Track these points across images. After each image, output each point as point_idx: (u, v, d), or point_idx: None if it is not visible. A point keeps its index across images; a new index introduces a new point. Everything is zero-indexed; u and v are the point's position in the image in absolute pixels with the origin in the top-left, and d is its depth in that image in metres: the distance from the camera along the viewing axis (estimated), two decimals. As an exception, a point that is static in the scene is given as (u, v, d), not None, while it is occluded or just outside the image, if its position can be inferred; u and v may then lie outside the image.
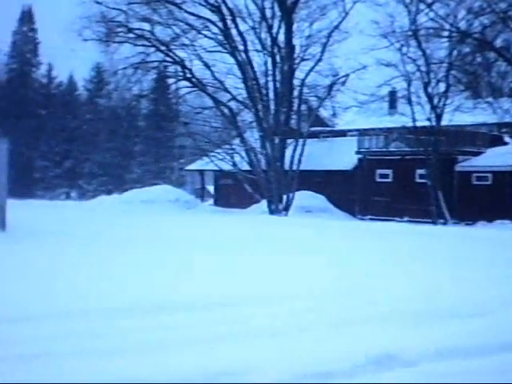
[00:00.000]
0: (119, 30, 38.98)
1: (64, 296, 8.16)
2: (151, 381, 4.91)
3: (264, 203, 37.27)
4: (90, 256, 12.54)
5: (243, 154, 38.60)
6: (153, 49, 39.28)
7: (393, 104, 42.62)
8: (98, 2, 37.35)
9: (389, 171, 39.11)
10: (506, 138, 39.70)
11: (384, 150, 39.34)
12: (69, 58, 62.92)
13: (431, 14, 36.23)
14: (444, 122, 36.65)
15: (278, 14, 37.50)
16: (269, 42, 37.71)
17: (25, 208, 24.66)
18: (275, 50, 37.70)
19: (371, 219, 35.87)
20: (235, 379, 5.07)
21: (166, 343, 6.07)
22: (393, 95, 42.15)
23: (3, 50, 75.91)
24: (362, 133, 41.06)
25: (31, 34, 76.81)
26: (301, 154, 37.08)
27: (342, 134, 44.31)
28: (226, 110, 39.45)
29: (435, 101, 36.65)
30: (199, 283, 9.56)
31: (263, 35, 37.77)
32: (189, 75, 39.62)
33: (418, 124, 36.26)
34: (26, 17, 76.27)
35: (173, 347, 5.95)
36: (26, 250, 13.29)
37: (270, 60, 37.89)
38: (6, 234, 17.24)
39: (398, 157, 38.39)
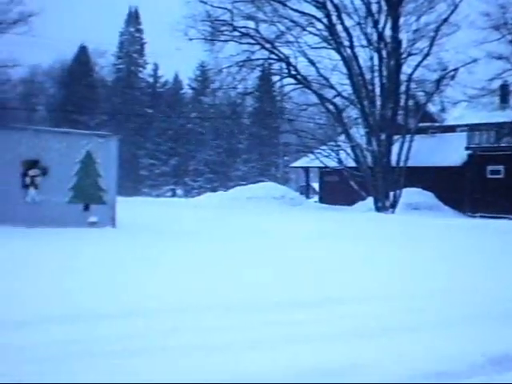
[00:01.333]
0: (224, 28, 39.65)
1: (193, 292, 8.51)
2: (262, 380, 5.15)
3: (370, 200, 37.12)
4: (207, 253, 12.90)
5: (349, 150, 38.55)
6: (257, 46, 39.73)
7: (504, 98, 41.51)
8: (203, 2, 38.18)
9: (500, 167, 38.15)
10: None
11: (495, 145, 38.38)
12: (174, 57, 64.38)
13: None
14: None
15: (384, 8, 37.22)
16: (375, 37, 37.49)
17: (132, 205, 25.45)
18: (381, 45, 37.42)
19: (481, 217, 35.12)
20: (355, 377, 5.26)
21: (291, 338, 6.28)
22: (504, 89, 41.07)
23: (111, 51, 78.47)
24: (472, 128, 40.15)
25: (137, 34, 79.02)
26: (408, 150, 36.74)
27: (451, 129, 43.55)
28: (331, 107, 39.50)
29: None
30: (303, 280, 9.79)
31: (369, 30, 37.60)
32: (293, 72, 39.87)
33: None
34: (133, 18, 78.53)
35: (293, 343, 6.16)
36: (139, 246, 13.80)
37: (375, 55, 37.67)
38: (117, 230, 17.99)
39: (510, 152, 37.39)
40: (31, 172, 17.97)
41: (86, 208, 18.64)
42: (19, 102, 71.99)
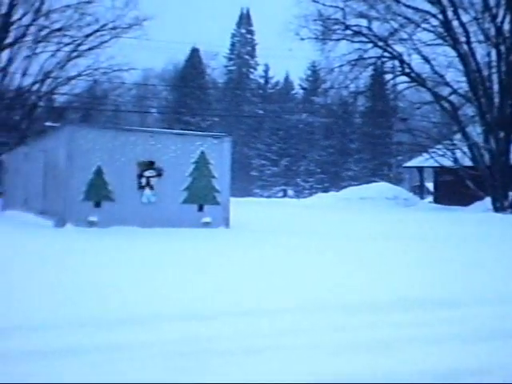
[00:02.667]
0: (336, 27, 39.52)
1: (321, 290, 8.53)
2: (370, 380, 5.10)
3: (488, 200, 36.03)
4: (330, 253, 12.90)
5: (465, 149, 37.58)
6: (370, 45, 39.38)
7: None
8: (314, 1, 38.20)
9: None
10: None
11: None
12: (285, 57, 64.68)
13: None
14: None
15: (503, 2, 36.04)
16: (492, 32, 36.36)
17: (244, 206, 25.68)
18: (500, 40, 36.26)
19: None
20: (478, 378, 5.15)
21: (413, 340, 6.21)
22: None
23: (222, 53, 79.66)
24: None
25: (249, 35, 79.95)
26: (528, 148, 35.50)
27: None
28: (446, 105, 38.64)
29: None
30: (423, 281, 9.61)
31: (486, 25, 36.50)
32: (407, 70, 39.27)
33: None
34: (244, 19, 79.51)
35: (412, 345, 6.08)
36: (256, 246, 13.89)
37: (493, 51, 36.53)
38: (231, 231, 18.21)
39: None
40: (147, 173, 18.47)
41: (200, 209, 19.00)
42: (133, 105, 74.15)
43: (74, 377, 4.98)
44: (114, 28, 44.30)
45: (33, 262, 10.88)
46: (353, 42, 39.25)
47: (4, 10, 43.01)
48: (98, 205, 17.78)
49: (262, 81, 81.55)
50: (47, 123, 27.09)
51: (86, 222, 17.38)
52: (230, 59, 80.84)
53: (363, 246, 14.46)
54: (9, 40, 43.76)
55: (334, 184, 65.46)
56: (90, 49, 44.70)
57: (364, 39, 39.30)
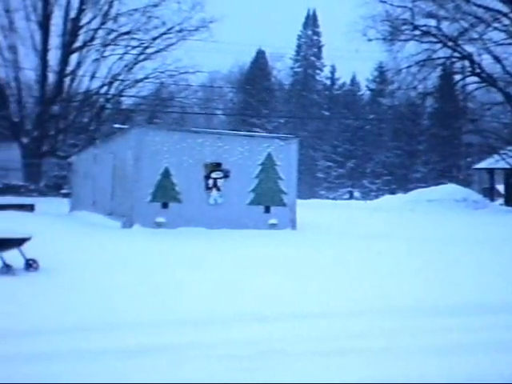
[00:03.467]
0: (404, 27, 39.13)
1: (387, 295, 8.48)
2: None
3: None
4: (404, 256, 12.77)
5: (537, 151, 36.72)
6: (439, 45, 38.87)
7: None
8: (382, 1, 37.94)
9: None
10: None
11: None
12: (352, 59, 64.41)
13: None
14: None
15: None
16: None
17: (309, 208, 25.57)
18: None
19: None
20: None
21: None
22: None
23: (288, 55, 79.67)
24: None
25: (315, 37, 79.72)
26: None
27: None
28: (518, 105, 37.84)
29: None
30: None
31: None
32: (478, 70, 38.58)
33: None
34: (311, 20, 79.34)
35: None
36: (324, 249, 13.84)
37: None
38: (297, 232, 18.17)
39: None
40: (214, 174, 18.61)
41: (267, 210, 19.04)
42: (199, 107, 74.74)
43: (149, 376, 5.05)
44: (180, 30, 44.84)
45: (118, 262, 11.09)
46: (421, 42, 38.80)
47: (73, 14, 43.98)
48: (165, 206, 17.99)
49: (328, 82, 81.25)
50: (115, 125, 27.53)
51: (153, 223, 17.61)
52: (296, 61, 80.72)
53: (438, 249, 14.25)
54: (78, 44, 44.74)
55: (401, 186, 64.67)
56: (156, 51, 45.35)
57: (433, 39, 38.80)
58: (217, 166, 18.65)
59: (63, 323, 6.76)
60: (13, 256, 10.16)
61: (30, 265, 10.51)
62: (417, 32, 38.78)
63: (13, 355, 5.55)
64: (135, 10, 43.76)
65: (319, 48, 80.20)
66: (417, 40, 38.75)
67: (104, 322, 6.86)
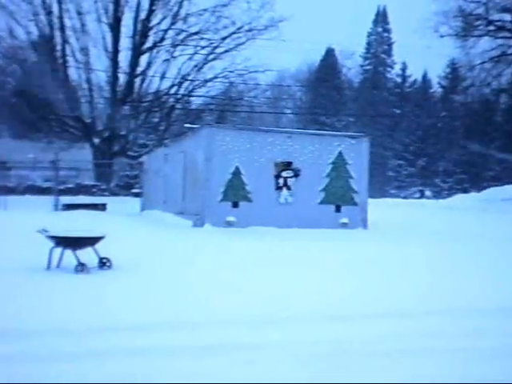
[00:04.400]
0: (478, 23, 38.41)
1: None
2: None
3: None
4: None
5: None
6: (514, 40, 38.01)
7: None
8: (454, -4, 37.29)
9: None
10: None
11: None
12: (423, 55, 63.49)
13: None
14: None
15: None
16: None
17: (381, 207, 25.31)
18: None
19: None
20: None
21: None
22: None
23: (358, 52, 79.09)
24: None
25: (385, 34, 78.92)
26: None
27: None
28: None
29: None
30: None
31: None
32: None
33: None
34: (381, 17, 78.59)
35: None
36: (399, 249, 13.65)
37: None
38: (369, 232, 17.99)
39: None
40: (284, 173, 18.59)
41: (338, 209, 18.93)
42: (267, 106, 74.85)
43: (223, 375, 5.08)
44: (249, 30, 45.03)
45: (191, 261, 11.21)
46: (496, 37, 38.02)
47: (143, 15, 44.65)
48: (235, 205, 18.08)
49: (398, 80, 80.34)
50: (186, 125, 27.81)
51: (223, 222, 17.72)
52: (365, 58, 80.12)
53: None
54: (148, 44, 45.40)
55: (474, 184, 63.48)
56: (226, 51, 45.67)
57: (508, 34, 37.94)
58: (287, 165, 18.64)
59: (136, 320, 6.84)
60: (87, 254, 10.34)
61: (104, 263, 10.67)
62: (491, 27, 38.04)
63: (103, 351, 5.65)
64: (205, 10, 44.18)
65: (390, 45, 79.35)
66: (491, 35, 38.03)
67: (179, 319, 6.92)
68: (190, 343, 5.94)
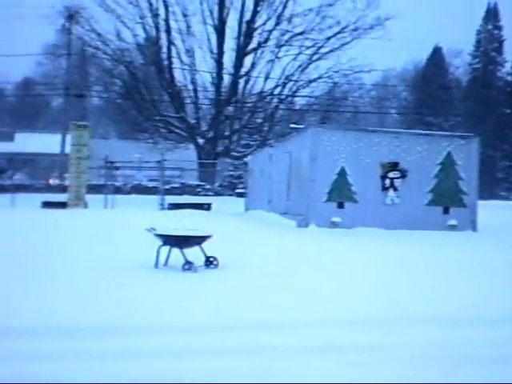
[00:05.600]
0: None
1: None
2: None
3: None
4: None
5: None
6: None
7: None
8: None
9: None
10: None
11: None
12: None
13: None
14: None
15: None
16: None
17: (490, 209, 24.62)
18: None
19: None
20: None
21: None
22: None
23: (466, 51, 77.28)
24: None
25: (496, 31, 76.73)
26: None
27: None
28: None
29: None
30: None
31: None
32: None
33: None
34: (491, 14, 76.46)
35: None
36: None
37: None
38: (479, 235, 17.52)
39: None
40: (391, 174, 18.36)
41: (446, 211, 18.54)
42: (372, 106, 74.14)
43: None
44: (355, 29, 44.75)
45: (297, 261, 11.23)
46: None
47: (248, 16, 45.06)
48: (341, 206, 17.98)
49: (509, 78, 77.94)
50: (291, 125, 27.88)
51: (328, 222, 17.64)
52: (474, 57, 78.05)
53: None
54: (252, 45, 45.77)
55: None
56: (330, 51, 45.55)
57: None
58: (394, 166, 18.39)
59: (242, 319, 6.89)
60: (194, 253, 10.50)
61: (211, 262, 10.82)
62: None
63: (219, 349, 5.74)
64: (310, 10, 44.20)
65: (500, 43, 77.07)
66: None
67: (285, 319, 6.92)
68: (297, 343, 5.94)
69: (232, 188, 39.74)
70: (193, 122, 45.42)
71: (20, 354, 5.49)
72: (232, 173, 42.13)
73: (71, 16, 49.87)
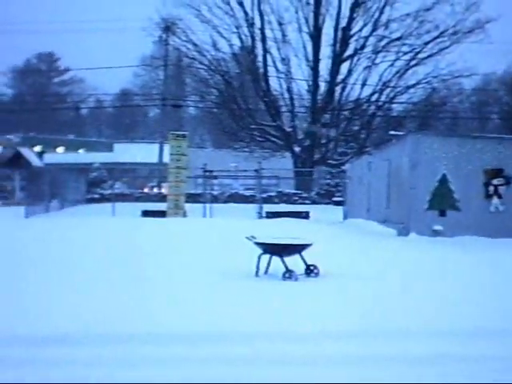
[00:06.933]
0: None
1: None
2: None
3: None
4: None
5: None
6: None
7: None
8: None
9: None
10: None
11: None
12: None
13: None
14: None
15: None
16: None
17: None
18: None
19: None
20: None
21: None
22: None
23: None
24: None
25: None
26: None
27: None
28: None
29: None
30: None
31: None
32: None
33: None
34: None
35: None
36: None
37: None
38: None
39: None
40: (495, 181, 17.92)
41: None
42: (472, 111, 72.55)
43: None
44: (454, 33, 43.96)
45: (400, 271, 11.15)
46: None
47: (344, 23, 44.93)
48: (442, 214, 17.67)
49: None
50: (391, 132, 27.57)
51: (430, 230, 17.37)
52: None
53: None
54: (348, 52, 45.60)
55: None
56: (429, 56, 44.87)
57: None
58: (498, 173, 17.94)
59: (345, 327, 6.90)
60: (293, 261, 10.54)
61: (311, 270, 10.84)
62: None
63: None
64: (407, 15, 43.69)
65: None
66: None
67: (385, 327, 6.89)
68: (403, 353, 5.89)
69: (329, 196, 39.61)
70: (289, 130, 45.58)
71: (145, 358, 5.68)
72: (329, 181, 41.97)
73: (168, 27, 50.99)
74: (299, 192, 41.31)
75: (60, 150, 77.39)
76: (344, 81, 45.93)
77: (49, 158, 54.43)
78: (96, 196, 41.40)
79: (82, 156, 69.07)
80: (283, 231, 13.07)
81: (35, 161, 42.92)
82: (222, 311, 7.72)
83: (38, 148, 56.20)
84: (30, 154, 45.03)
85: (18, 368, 5.51)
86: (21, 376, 5.27)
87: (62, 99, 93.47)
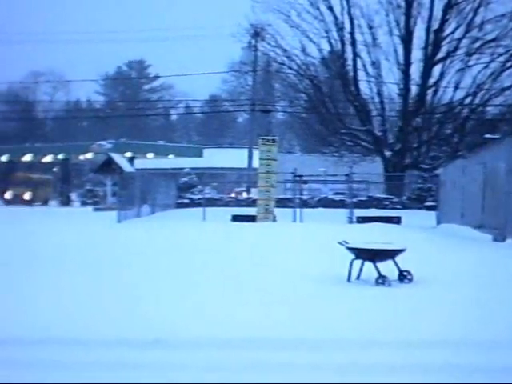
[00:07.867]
0: None
1: None
2: None
3: None
4: None
5: None
6: None
7: None
8: None
9: None
10: None
11: None
12: None
13: None
14: None
15: None
16: None
17: None
18: None
19: None
20: None
21: None
22: None
23: None
24: None
25: None
26: None
27: None
28: None
29: None
30: None
31: None
32: None
33: None
34: None
35: None
36: None
37: None
38: None
39: None
40: None
41: None
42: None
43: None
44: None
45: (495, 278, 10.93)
46: None
47: (436, 25, 44.24)
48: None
49: None
50: (485, 135, 27.03)
51: (527, 237, 16.93)
52: None
53: None
54: (440, 55, 44.87)
55: None
56: (524, 58, 43.75)
57: None
58: None
59: (434, 336, 6.83)
60: (387, 267, 10.47)
61: (405, 276, 10.73)
62: None
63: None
64: (502, 15, 42.66)
65: None
66: None
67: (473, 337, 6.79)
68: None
69: (421, 201, 39.03)
70: (379, 134, 45.20)
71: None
72: (421, 185, 41.38)
73: (257, 33, 51.38)
74: (390, 197, 40.92)
75: (150, 155, 79.03)
76: (436, 84, 45.21)
77: (139, 163, 55.74)
78: (186, 201, 42.01)
79: (171, 161, 70.37)
80: (375, 236, 12.97)
81: (126, 166, 43.91)
82: (316, 317, 7.76)
83: (128, 154, 57.52)
84: (122, 159, 46.09)
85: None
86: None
87: (152, 106, 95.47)
